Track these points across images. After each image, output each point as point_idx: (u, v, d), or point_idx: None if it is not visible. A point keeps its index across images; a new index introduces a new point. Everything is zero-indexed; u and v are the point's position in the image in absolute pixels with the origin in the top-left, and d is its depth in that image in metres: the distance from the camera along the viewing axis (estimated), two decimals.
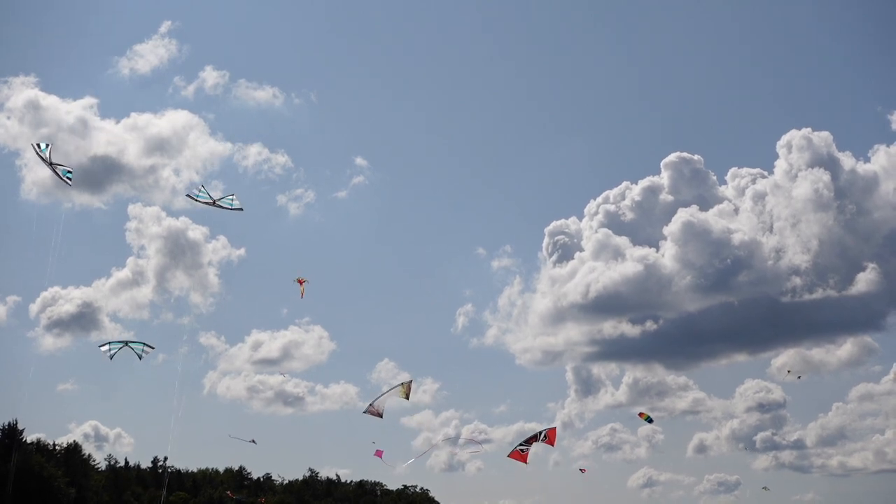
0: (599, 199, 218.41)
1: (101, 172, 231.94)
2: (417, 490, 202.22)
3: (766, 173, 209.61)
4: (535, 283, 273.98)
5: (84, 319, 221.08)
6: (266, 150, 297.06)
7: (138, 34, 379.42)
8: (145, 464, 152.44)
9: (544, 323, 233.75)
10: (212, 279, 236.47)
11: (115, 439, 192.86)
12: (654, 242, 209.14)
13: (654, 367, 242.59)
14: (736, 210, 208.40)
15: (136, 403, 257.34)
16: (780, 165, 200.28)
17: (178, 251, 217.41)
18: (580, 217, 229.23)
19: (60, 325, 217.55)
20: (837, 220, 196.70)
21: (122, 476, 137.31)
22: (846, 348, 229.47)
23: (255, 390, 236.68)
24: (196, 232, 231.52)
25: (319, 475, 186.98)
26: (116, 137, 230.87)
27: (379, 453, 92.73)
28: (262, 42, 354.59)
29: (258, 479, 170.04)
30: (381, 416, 58.07)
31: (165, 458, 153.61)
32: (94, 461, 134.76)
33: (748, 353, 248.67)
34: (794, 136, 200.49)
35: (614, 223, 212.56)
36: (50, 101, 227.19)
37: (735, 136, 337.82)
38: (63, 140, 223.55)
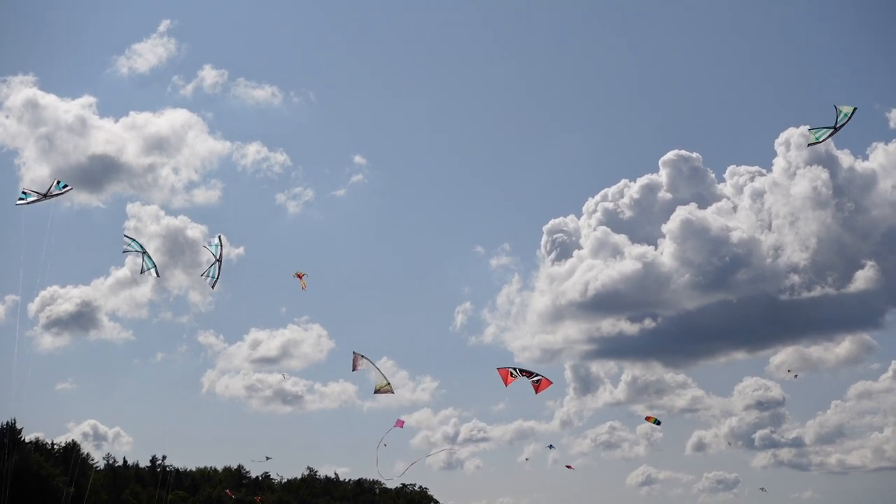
0: (598, 197, 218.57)
1: (100, 171, 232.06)
2: (416, 489, 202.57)
3: (764, 171, 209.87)
4: (534, 281, 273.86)
5: (83, 318, 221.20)
6: (265, 149, 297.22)
7: (137, 33, 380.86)
8: (144, 463, 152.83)
9: (543, 321, 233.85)
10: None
11: (113, 438, 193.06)
12: (652, 240, 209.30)
13: (652, 365, 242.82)
14: (734, 208, 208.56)
15: (134, 402, 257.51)
16: (779, 163, 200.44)
17: (177, 250, 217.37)
18: (578, 215, 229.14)
19: (59, 324, 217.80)
20: (836, 218, 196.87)
21: (121, 475, 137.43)
22: (844, 346, 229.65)
23: (253, 389, 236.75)
24: (195, 231, 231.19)
25: (318, 474, 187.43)
26: (115, 136, 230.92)
27: (399, 423, 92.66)
28: (261, 41, 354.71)
29: (257, 477, 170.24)
30: (354, 369, 58.18)
31: (164, 457, 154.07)
32: (92, 460, 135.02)
33: (747, 351, 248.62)
34: (793, 133, 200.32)
35: (613, 221, 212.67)
36: (48, 99, 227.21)
37: (733, 134, 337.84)
38: (62, 139, 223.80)
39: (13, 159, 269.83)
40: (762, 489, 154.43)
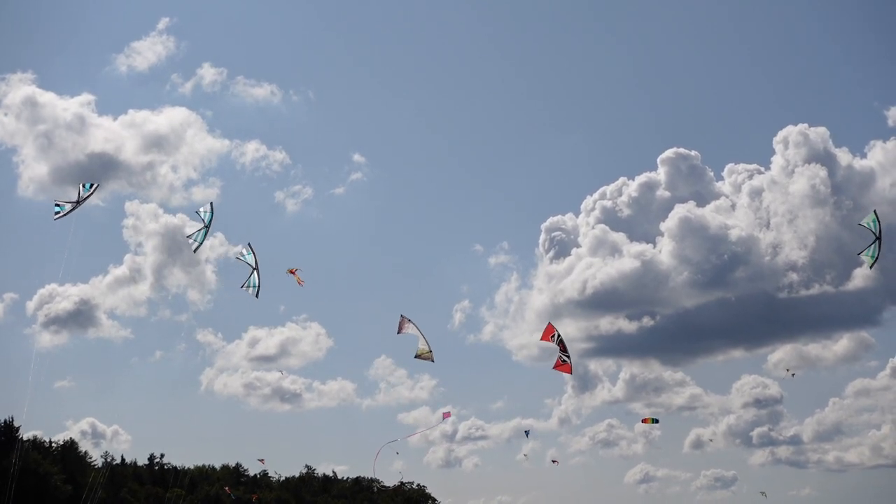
0: (596, 195, 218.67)
1: (99, 169, 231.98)
2: (414, 486, 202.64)
3: (762, 169, 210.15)
4: (532, 279, 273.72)
5: (81, 317, 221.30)
6: (264, 147, 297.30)
7: (136, 31, 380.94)
8: (142, 461, 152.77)
9: (541, 319, 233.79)
10: (209, 276, 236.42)
11: (112, 436, 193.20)
12: (650, 238, 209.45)
13: (650, 363, 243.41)
14: (733, 206, 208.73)
15: (133, 400, 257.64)
16: (777, 161, 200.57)
17: (176, 248, 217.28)
18: (577, 213, 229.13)
19: (58, 322, 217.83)
20: (834, 216, 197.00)
21: (119, 473, 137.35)
22: (842, 344, 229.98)
23: (252, 387, 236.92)
24: (193, 229, 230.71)
25: (316, 472, 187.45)
26: (114, 134, 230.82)
27: (447, 415, 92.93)
28: (261, 39, 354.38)
29: (255, 475, 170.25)
30: (399, 331, 58.01)
31: (162, 455, 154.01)
32: (90, 458, 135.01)
33: (745, 349, 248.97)
34: (791, 131, 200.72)
35: (611, 219, 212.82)
36: (47, 97, 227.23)
37: (732, 132, 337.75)
38: (60, 137, 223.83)
39: (12, 157, 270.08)
40: (763, 493, 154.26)
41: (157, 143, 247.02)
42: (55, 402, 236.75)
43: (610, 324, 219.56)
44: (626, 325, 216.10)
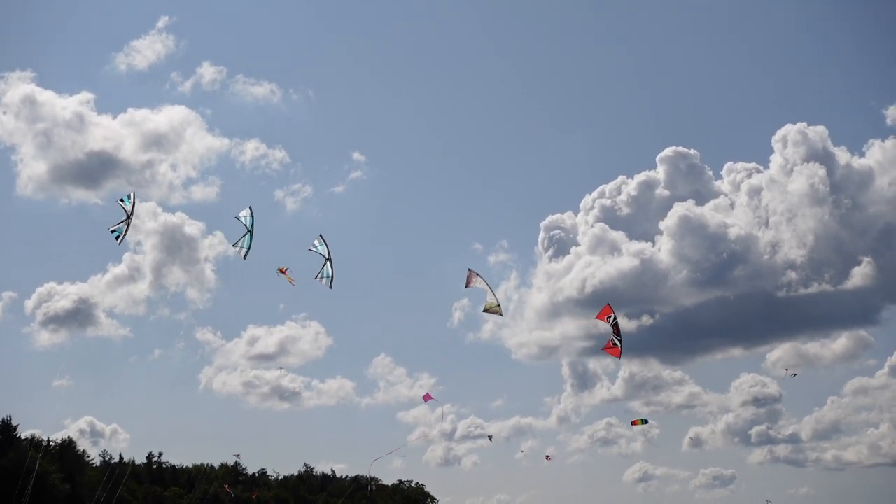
0: (595, 194, 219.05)
1: (98, 168, 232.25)
2: (413, 485, 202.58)
3: (761, 168, 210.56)
4: (532, 278, 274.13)
5: (80, 315, 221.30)
6: (264, 146, 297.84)
7: (135, 29, 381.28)
8: (140, 459, 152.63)
9: (540, 318, 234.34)
10: (208, 275, 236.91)
11: (110, 435, 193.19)
12: (649, 237, 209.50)
13: (649, 361, 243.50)
14: (732, 205, 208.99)
15: (132, 399, 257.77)
16: (776, 160, 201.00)
17: (175, 247, 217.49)
18: (576, 212, 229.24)
19: (56, 320, 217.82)
20: (833, 215, 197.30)
21: (118, 472, 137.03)
22: (841, 342, 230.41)
23: (251, 385, 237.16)
24: (192, 227, 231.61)
25: (315, 470, 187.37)
26: (113, 133, 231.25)
27: (427, 397, 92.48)
28: (260, 38, 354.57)
29: (253, 474, 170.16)
30: (467, 285, 57.66)
31: (160, 454, 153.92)
32: (88, 457, 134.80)
33: (743, 348, 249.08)
34: (790, 130, 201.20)
35: (610, 218, 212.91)
36: (46, 96, 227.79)
37: (731, 131, 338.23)
38: (59, 135, 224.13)
39: (11, 155, 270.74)
40: (767, 501, 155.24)
41: (156, 142, 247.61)
42: (54, 400, 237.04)
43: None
44: (626, 324, 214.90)
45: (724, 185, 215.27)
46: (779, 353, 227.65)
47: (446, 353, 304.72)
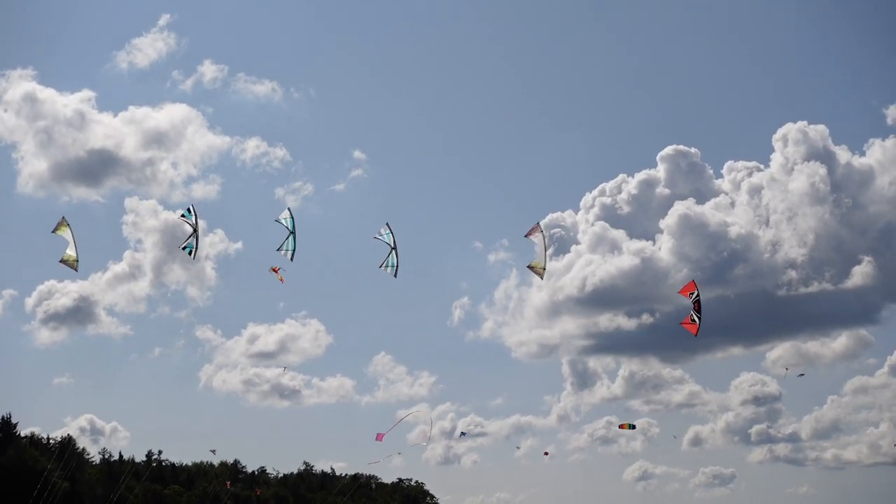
0: (595, 192, 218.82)
1: (98, 166, 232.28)
2: (412, 483, 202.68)
3: (762, 167, 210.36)
4: (532, 276, 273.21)
5: (80, 313, 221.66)
6: (265, 144, 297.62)
7: (136, 28, 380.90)
8: (140, 457, 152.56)
9: (540, 316, 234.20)
10: (209, 273, 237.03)
11: (110, 433, 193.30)
12: (650, 235, 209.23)
13: (649, 360, 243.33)
14: (732, 203, 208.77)
15: (132, 397, 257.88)
16: (776, 159, 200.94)
17: (175, 245, 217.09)
18: (576, 210, 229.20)
19: (56, 318, 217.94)
20: (833, 214, 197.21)
21: (117, 470, 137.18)
22: (841, 341, 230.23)
23: (251, 383, 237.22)
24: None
25: (314, 468, 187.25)
26: (114, 131, 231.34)
27: (380, 437, 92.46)
28: (261, 36, 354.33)
29: (253, 472, 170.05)
30: (527, 235, 57.40)
31: (160, 452, 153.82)
32: (88, 455, 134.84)
33: (743, 347, 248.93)
34: (790, 129, 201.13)
35: (611, 216, 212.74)
36: (47, 94, 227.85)
37: (731, 130, 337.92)
38: (60, 133, 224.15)
39: (11, 153, 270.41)
40: None
41: (157, 140, 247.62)
42: (54, 398, 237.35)
43: (609, 321, 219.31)
44: (626, 323, 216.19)
45: (724, 183, 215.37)
46: (779, 351, 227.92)
47: (446, 351, 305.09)
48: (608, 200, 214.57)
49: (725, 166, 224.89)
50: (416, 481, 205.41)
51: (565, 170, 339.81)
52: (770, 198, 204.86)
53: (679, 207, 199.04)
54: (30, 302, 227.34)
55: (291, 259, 54.40)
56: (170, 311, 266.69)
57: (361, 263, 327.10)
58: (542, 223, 58.48)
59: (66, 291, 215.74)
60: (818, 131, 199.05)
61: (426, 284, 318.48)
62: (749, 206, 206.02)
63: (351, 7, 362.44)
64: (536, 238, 57.76)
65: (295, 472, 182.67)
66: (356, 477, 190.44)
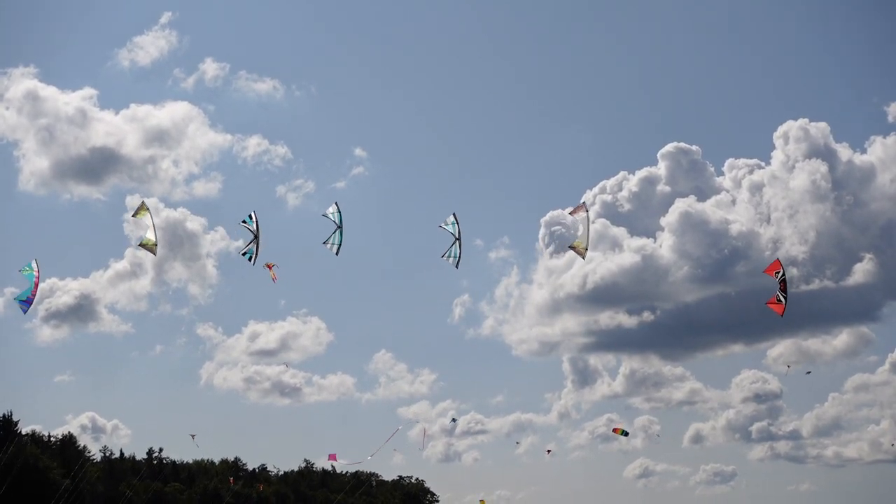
0: (596, 190, 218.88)
1: (100, 163, 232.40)
2: (413, 481, 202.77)
3: (763, 164, 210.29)
4: (532, 274, 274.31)
5: (82, 311, 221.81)
6: (266, 142, 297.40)
7: (138, 26, 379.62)
8: (141, 455, 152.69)
9: (541, 314, 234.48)
10: (210, 270, 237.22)
11: (112, 430, 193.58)
12: (651, 233, 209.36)
13: (650, 357, 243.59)
14: (733, 201, 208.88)
15: (133, 395, 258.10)
16: (777, 156, 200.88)
17: (177, 242, 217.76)
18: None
19: (58, 316, 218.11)
20: (834, 211, 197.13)
21: (118, 467, 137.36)
22: (842, 339, 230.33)
23: (251, 381, 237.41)
24: (194, 223, 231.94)
25: (315, 466, 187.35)
26: (115, 128, 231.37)
27: (332, 457, 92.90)
28: (263, 34, 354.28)
29: (253, 469, 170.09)
30: (572, 213, 57.29)
31: (161, 450, 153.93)
32: (89, 452, 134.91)
33: (744, 344, 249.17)
34: (791, 126, 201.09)
35: (611, 214, 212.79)
36: (49, 91, 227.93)
37: (732, 127, 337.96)
38: (62, 131, 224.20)
39: (13, 151, 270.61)
40: None
41: (158, 138, 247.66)
42: (55, 396, 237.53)
43: (610, 318, 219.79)
44: (626, 320, 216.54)
45: (725, 181, 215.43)
46: (780, 349, 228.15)
47: (447, 349, 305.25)
48: (609, 198, 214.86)
49: (726, 164, 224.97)
50: (417, 479, 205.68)
51: (566, 167, 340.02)
52: (771, 195, 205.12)
53: (680, 205, 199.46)
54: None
55: (337, 253, 54.29)
56: (171, 308, 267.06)
57: (362, 261, 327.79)
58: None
59: (67, 289, 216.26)
60: (819, 129, 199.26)
61: (427, 282, 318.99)
62: (750, 203, 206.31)
63: (352, 5, 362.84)
64: (580, 217, 57.91)
65: (295, 469, 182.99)
66: (357, 474, 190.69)
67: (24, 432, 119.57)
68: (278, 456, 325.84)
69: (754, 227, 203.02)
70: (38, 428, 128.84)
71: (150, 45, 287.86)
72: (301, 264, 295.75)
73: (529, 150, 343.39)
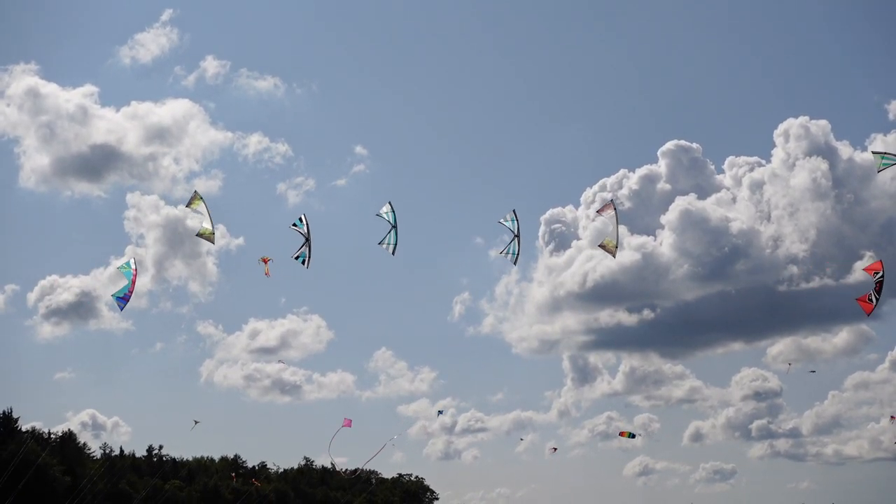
0: (596, 188, 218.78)
1: (100, 161, 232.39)
2: (412, 478, 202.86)
3: (763, 162, 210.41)
4: (532, 272, 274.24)
5: (82, 308, 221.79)
6: (266, 140, 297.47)
7: (139, 23, 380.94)
8: (141, 452, 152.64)
9: (541, 312, 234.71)
10: (210, 268, 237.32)
11: (112, 428, 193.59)
12: (651, 231, 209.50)
13: (650, 355, 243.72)
14: (734, 199, 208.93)
15: (133, 392, 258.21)
16: (778, 154, 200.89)
17: (177, 240, 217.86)
18: (577, 205, 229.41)
19: (59, 313, 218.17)
20: (835, 209, 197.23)
21: (118, 465, 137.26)
22: (842, 337, 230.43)
23: (252, 379, 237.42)
24: (195, 220, 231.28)
25: (315, 464, 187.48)
26: (116, 126, 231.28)
27: (347, 422, 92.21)
28: (264, 32, 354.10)
29: (253, 467, 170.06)
30: (599, 212, 57.22)
31: (161, 447, 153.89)
32: (89, 449, 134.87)
33: (744, 342, 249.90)
34: (792, 124, 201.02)
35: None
36: (50, 88, 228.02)
37: (733, 125, 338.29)
38: (62, 128, 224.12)
39: (13, 148, 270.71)
40: None
41: (159, 135, 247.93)
42: (56, 393, 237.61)
43: (610, 316, 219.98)
44: (626, 318, 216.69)
45: (725, 179, 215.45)
46: (780, 347, 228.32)
47: (447, 346, 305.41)
48: (609, 195, 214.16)
49: (727, 161, 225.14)
50: (417, 476, 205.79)
51: (566, 165, 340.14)
52: (771, 193, 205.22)
53: (680, 203, 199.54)
54: (32, 297, 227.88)
55: (393, 253, 54.52)
56: (171, 306, 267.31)
57: (363, 259, 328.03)
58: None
59: (67, 286, 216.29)
60: (820, 126, 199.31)
61: (427, 280, 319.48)
62: (750, 201, 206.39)
63: (353, 3, 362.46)
64: (608, 215, 58.12)
65: (295, 467, 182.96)
66: (356, 472, 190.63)
67: (24, 429, 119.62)
68: (278, 453, 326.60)
69: (755, 224, 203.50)
70: (38, 425, 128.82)
71: (151, 43, 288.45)
72: (300, 261, 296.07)
73: (529, 148, 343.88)
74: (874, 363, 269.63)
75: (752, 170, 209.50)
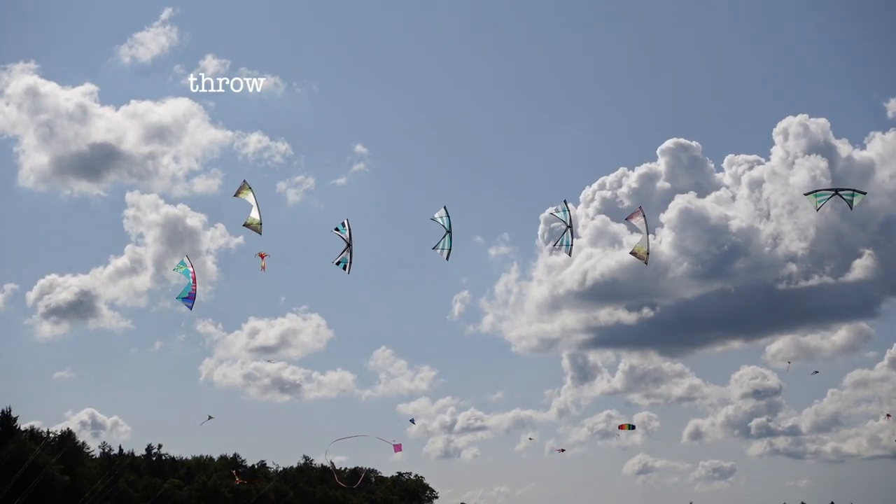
0: (596, 186, 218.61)
1: (100, 159, 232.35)
2: (412, 477, 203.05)
3: (762, 160, 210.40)
4: (532, 270, 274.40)
5: (81, 307, 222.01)
6: (266, 139, 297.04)
7: (139, 21, 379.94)
8: (140, 451, 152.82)
9: (540, 310, 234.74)
10: (210, 267, 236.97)
11: (112, 427, 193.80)
12: (650, 229, 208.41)
13: (649, 354, 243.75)
14: (733, 197, 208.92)
15: (133, 391, 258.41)
16: (777, 152, 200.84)
17: (177, 239, 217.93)
18: (576, 204, 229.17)
19: (58, 312, 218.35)
20: (834, 208, 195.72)
21: (117, 464, 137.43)
22: (841, 334, 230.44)
23: (251, 378, 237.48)
24: (194, 219, 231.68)
25: (314, 462, 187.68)
26: (116, 124, 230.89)
27: (398, 448, 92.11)
28: (264, 31, 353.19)
29: (252, 466, 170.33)
30: (628, 218, 57.05)
31: (160, 446, 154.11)
32: (88, 448, 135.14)
33: (744, 340, 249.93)
34: (791, 122, 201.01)
35: (611, 210, 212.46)
36: (49, 87, 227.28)
37: (732, 123, 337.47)
38: (62, 127, 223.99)
39: (13, 146, 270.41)
40: None
41: (159, 134, 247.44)
42: (55, 392, 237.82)
43: (609, 315, 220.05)
44: (626, 316, 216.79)
45: (725, 177, 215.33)
46: (779, 345, 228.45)
47: (446, 345, 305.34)
48: (608, 194, 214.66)
49: (726, 160, 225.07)
50: (416, 475, 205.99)
51: (565, 164, 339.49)
52: (771, 191, 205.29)
53: (679, 201, 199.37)
54: (31, 296, 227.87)
55: (447, 258, 54.56)
56: (171, 305, 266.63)
57: (362, 258, 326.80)
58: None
59: (67, 286, 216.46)
60: (819, 125, 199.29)
61: (427, 279, 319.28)
62: (750, 199, 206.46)
63: (353, 3, 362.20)
64: (638, 222, 57.86)
65: (295, 465, 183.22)
66: (356, 471, 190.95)
67: (23, 428, 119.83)
68: (278, 452, 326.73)
69: (754, 223, 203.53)
70: (37, 424, 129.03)
71: (151, 42, 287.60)
72: (301, 261, 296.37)
73: (529, 147, 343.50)
74: (873, 361, 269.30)
75: (751, 168, 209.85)
